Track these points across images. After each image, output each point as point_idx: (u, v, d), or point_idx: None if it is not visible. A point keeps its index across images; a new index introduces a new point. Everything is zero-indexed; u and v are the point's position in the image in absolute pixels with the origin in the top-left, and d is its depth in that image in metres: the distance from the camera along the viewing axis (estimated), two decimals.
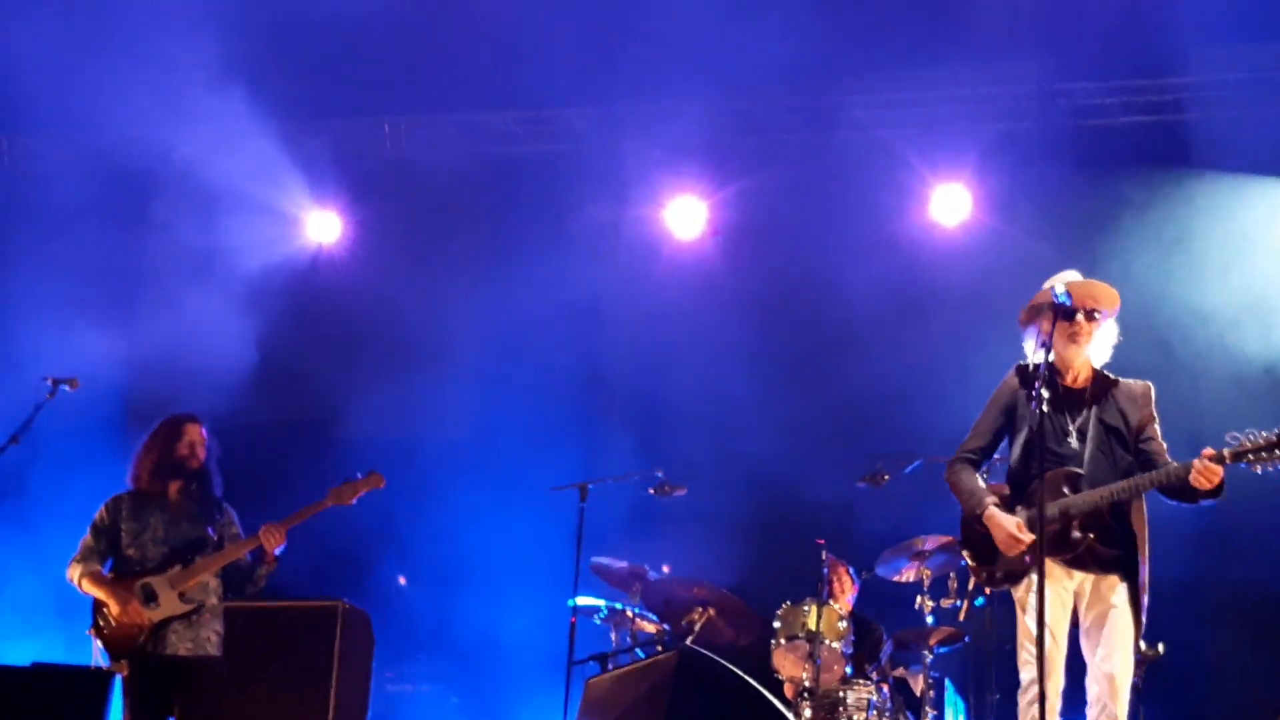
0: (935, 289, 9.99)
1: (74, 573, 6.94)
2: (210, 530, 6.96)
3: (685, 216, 10.74)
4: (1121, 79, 9.90)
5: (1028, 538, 5.80)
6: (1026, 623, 5.80)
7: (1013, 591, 6.01)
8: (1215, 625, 9.46)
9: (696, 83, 10.01)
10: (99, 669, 7.26)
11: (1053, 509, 5.76)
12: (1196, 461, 5.63)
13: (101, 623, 6.83)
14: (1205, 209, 9.71)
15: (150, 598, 6.77)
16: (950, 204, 10.22)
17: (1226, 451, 5.61)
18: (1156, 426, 6.01)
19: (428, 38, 9.66)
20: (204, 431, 7.17)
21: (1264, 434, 5.59)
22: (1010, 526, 5.87)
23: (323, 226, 11.27)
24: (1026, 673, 5.78)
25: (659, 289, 10.72)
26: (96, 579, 6.88)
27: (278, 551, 6.90)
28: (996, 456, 6.37)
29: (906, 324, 9.91)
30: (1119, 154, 9.87)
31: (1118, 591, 5.83)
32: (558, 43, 9.52)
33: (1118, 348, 6.11)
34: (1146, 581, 5.83)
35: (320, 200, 11.17)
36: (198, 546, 6.91)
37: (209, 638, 6.87)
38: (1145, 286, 9.18)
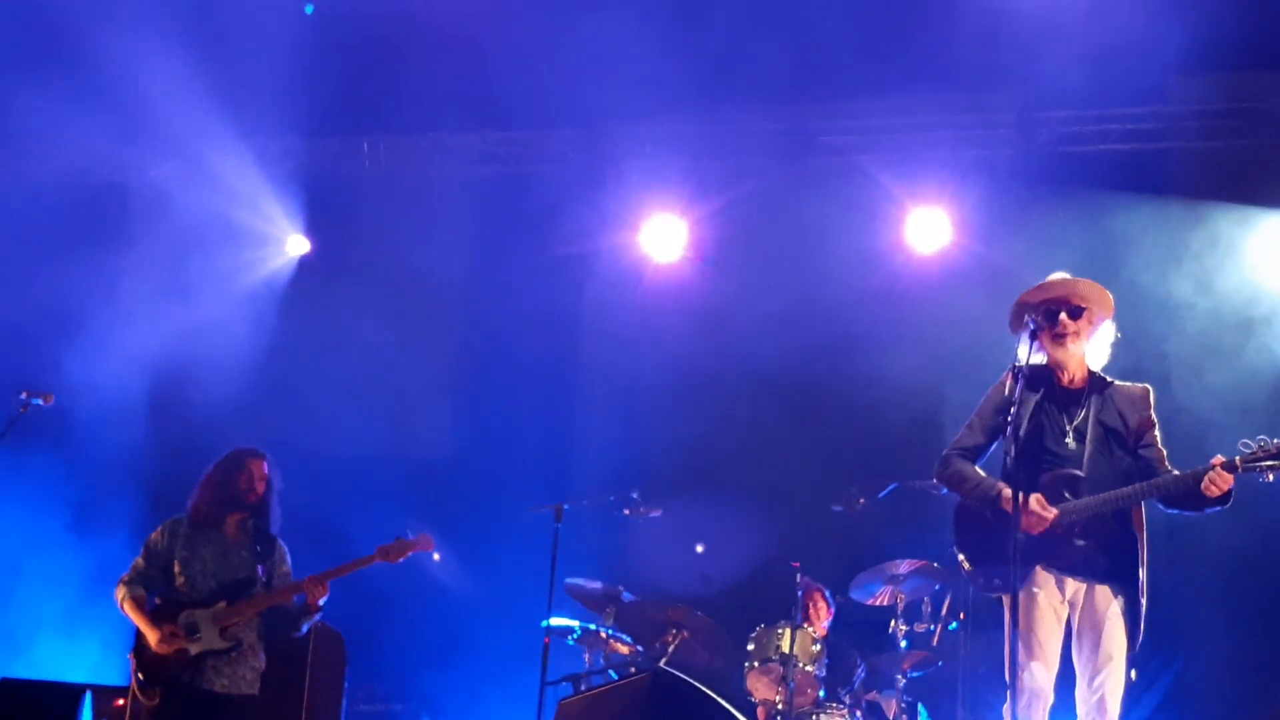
0: (912, 315, 10.01)
1: (119, 593, 6.89)
2: (260, 569, 6.91)
3: (664, 239, 10.75)
4: (1099, 108, 9.98)
5: (1051, 512, 5.60)
6: (1019, 633, 5.62)
7: (1005, 598, 5.74)
8: (1203, 636, 9.49)
9: (678, 106, 10.05)
10: (68, 685, 7.23)
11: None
12: (1210, 471, 5.50)
13: (143, 648, 6.76)
14: (1180, 237, 9.77)
15: (192, 630, 6.71)
16: (928, 229, 10.26)
17: (1238, 459, 5.50)
18: (1157, 433, 5.88)
19: (407, 57, 9.66)
20: (266, 467, 7.12)
21: (1276, 441, 5.48)
22: (1031, 503, 5.61)
23: (299, 245, 11.26)
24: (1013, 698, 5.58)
25: (636, 310, 10.72)
26: (139, 604, 6.82)
27: (321, 602, 6.88)
28: None
29: (883, 349, 9.93)
30: (1097, 182, 9.92)
31: (1113, 603, 5.69)
32: (537, 64, 9.54)
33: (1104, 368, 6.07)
34: (1145, 587, 5.68)
35: (297, 219, 11.14)
36: (245, 585, 6.86)
37: (245, 675, 6.82)
38: (1122, 314, 9.22)
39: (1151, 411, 5.92)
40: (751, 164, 10.60)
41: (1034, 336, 5.78)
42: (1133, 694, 8.07)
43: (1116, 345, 6.13)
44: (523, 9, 9.55)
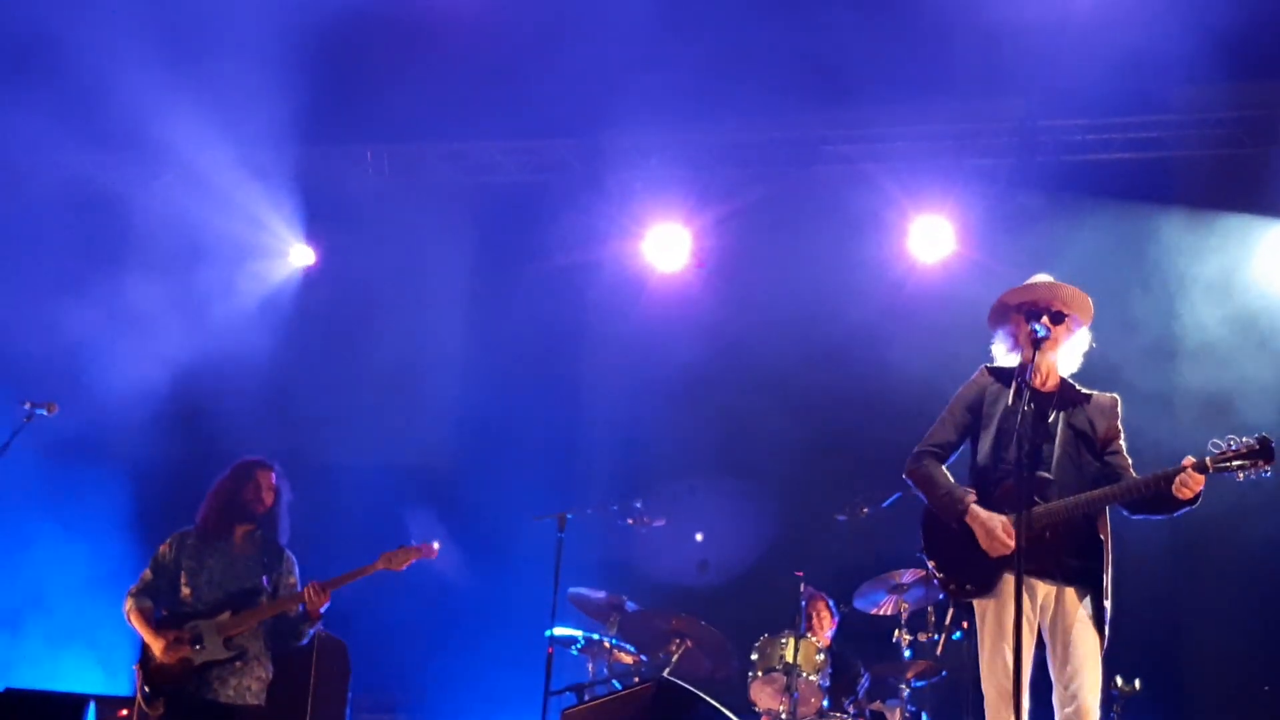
0: (915, 323, 10.00)
1: (127, 605, 6.91)
2: (265, 579, 6.91)
3: (668, 247, 10.76)
4: (1102, 116, 9.98)
5: (1013, 541, 5.55)
6: (990, 639, 5.67)
7: (976, 604, 5.79)
8: (1209, 643, 9.47)
9: (681, 115, 10.06)
10: (71, 696, 7.21)
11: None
12: (1181, 472, 5.44)
13: (148, 658, 6.76)
14: (1182, 246, 9.77)
15: (196, 641, 6.71)
16: (932, 237, 10.26)
17: (1208, 460, 5.45)
18: (1123, 441, 5.87)
19: (411, 66, 9.67)
20: (275, 478, 7.12)
21: (1245, 440, 5.43)
22: (995, 526, 5.65)
23: (303, 254, 11.27)
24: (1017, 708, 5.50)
25: (640, 319, 10.73)
26: (145, 616, 6.83)
27: (322, 610, 6.88)
28: None
29: (886, 358, 9.92)
30: (1099, 190, 9.92)
31: (1081, 605, 5.66)
32: (541, 73, 9.55)
33: (1090, 377, 6.05)
34: (1109, 590, 5.67)
35: (301, 228, 11.16)
36: (251, 595, 6.86)
37: (250, 685, 6.80)
38: (1120, 321, 9.22)
39: (1119, 420, 5.90)
40: (754, 173, 10.61)
41: (1036, 345, 5.74)
42: (1138, 703, 8.10)
43: (1117, 349, 6.10)
44: (527, 17, 9.55)
